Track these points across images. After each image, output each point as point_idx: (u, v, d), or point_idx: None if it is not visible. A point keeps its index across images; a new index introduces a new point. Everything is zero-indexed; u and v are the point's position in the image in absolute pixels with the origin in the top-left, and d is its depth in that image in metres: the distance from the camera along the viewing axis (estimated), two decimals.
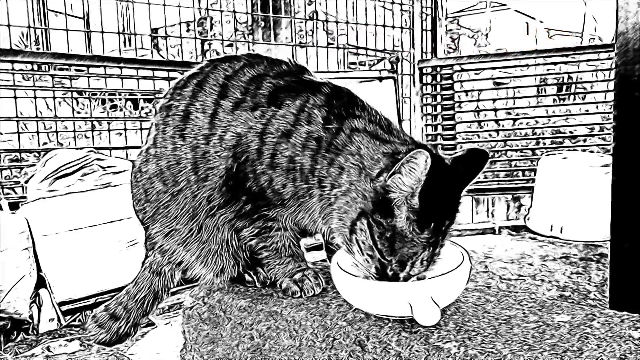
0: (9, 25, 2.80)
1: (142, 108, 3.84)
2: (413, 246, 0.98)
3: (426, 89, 4.21)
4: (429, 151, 0.96)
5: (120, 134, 3.42)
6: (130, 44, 4.01)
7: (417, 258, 0.99)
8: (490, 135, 4.53)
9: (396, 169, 0.95)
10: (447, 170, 0.99)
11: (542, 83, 4.74)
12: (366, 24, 4.20)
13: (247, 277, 1.24)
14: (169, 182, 1.17)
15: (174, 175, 1.16)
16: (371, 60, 4.66)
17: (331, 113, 1.08)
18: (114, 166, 2.54)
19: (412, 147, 1.01)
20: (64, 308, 2.27)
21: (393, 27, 4.29)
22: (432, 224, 0.97)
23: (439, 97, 4.19)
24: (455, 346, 0.92)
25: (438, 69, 4.20)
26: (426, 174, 0.92)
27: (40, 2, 3.81)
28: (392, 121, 1.10)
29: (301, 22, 4.19)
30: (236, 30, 4.23)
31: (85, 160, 2.49)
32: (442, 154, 1.02)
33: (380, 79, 3.65)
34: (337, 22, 4.24)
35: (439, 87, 4.20)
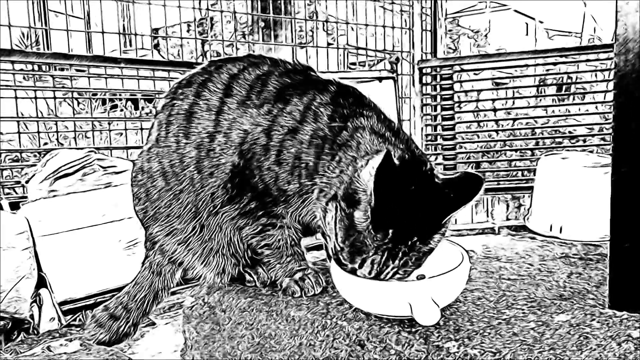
0: (9, 25, 2.80)
1: (143, 108, 3.84)
2: (363, 244, 0.97)
3: (426, 89, 4.21)
4: (420, 162, 0.98)
5: (121, 134, 3.42)
6: (130, 44, 4.01)
7: (367, 257, 0.98)
8: (489, 135, 4.53)
9: (368, 164, 0.96)
10: (429, 188, 0.98)
11: (542, 83, 4.74)
12: (366, 25, 4.20)
13: (248, 277, 1.24)
14: (172, 181, 1.18)
15: (177, 173, 1.17)
16: (371, 61, 4.66)
17: (337, 111, 1.08)
18: (114, 166, 2.55)
19: (400, 153, 1.01)
20: (65, 308, 2.27)
21: (393, 27, 4.29)
22: (391, 231, 0.95)
23: (438, 97, 4.19)
24: (455, 346, 0.92)
25: (438, 69, 4.20)
26: (374, 175, 0.91)
27: (41, 2, 3.81)
28: (399, 126, 1.11)
29: (301, 22, 4.19)
30: (236, 30, 4.23)
31: (85, 160, 2.49)
32: (437, 173, 1.02)
33: (380, 79, 3.65)
34: (337, 22, 4.24)
35: (438, 87, 4.20)
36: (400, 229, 0.96)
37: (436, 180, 1.00)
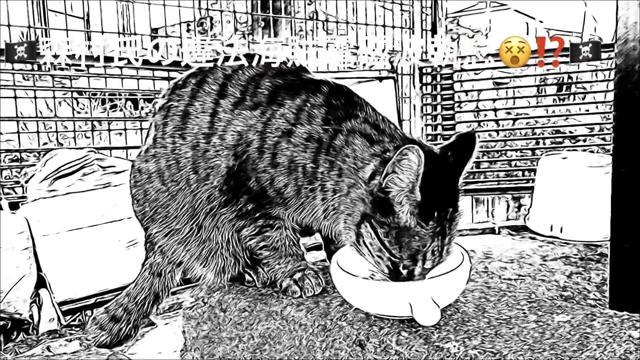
0: (9, 25, 2.80)
1: (142, 108, 3.84)
2: (421, 238, 0.96)
3: (426, 89, 4.21)
4: (418, 144, 0.97)
5: (120, 134, 3.42)
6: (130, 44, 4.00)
7: (427, 249, 0.97)
8: (490, 135, 4.53)
9: (388, 170, 0.94)
10: (439, 161, 0.99)
11: (542, 83, 4.73)
12: (366, 24, 4.19)
13: (247, 277, 1.24)
14: (169, 182, 1.17)
15: (174, 174, 1.17)
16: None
17: (330, 113, 1.08)
18: (114, 166, 2.55)
19: (399, 143, 1.01)
20: (64, 308, 2.27)
21: (393, 27, 4.29)
22: (436, 214, 0.96)
23: (439, 97, 4.19)
24: (455, 346, 0.92)
25: (438, 68, 4.20)
26: (423, 166, 0.91)
27: (40, 2, 3.80)
28: (387, 118, 1.10)
29: (301, 22, 4.18)
30: (236, 30, 4.23)
31: (85, 160, 2.49)
32: (429, 145, 1.02)
33: (380, 79, 3.65)
34: (337, 22, 4.24)
35: (439, 87, 4.20)
36: (441, 208, 0.97)
37: (435, 152, 1.00)
